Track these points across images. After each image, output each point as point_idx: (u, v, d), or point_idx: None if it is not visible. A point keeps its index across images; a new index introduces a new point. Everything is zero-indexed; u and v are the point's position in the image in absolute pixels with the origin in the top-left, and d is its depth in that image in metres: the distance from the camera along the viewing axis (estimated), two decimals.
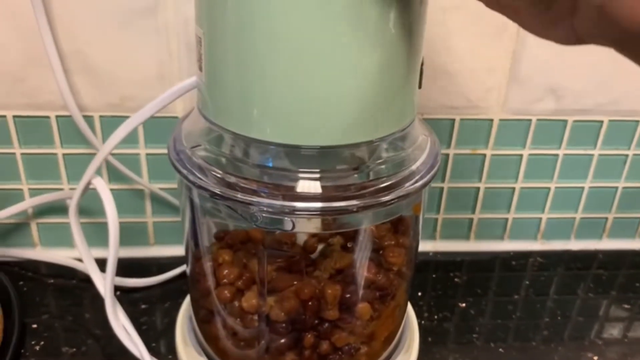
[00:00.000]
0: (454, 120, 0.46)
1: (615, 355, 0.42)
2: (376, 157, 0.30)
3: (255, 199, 0.28)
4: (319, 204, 0.28)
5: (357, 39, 0.26)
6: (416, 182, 0.30)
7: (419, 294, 0.47)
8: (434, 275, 0.49)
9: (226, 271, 0.33)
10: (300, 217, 0.28)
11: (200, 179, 0.29)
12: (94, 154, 0.43)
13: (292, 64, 0.26)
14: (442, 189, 0.49)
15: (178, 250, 0.49)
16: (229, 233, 0.35)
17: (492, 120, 0.46)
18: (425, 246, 0.52)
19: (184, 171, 0.30)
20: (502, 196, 0.50)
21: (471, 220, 0.51)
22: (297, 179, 0.28)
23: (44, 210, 0.47)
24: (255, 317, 0.33)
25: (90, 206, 0.46)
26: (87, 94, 0.42)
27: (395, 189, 0.29)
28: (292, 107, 0.26)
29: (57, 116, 0.43)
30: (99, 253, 0.39)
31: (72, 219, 0.35)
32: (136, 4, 0.39)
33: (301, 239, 0.34)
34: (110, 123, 0.44)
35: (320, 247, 0.34)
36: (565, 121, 0.47)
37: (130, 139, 0.44)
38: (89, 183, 0.34)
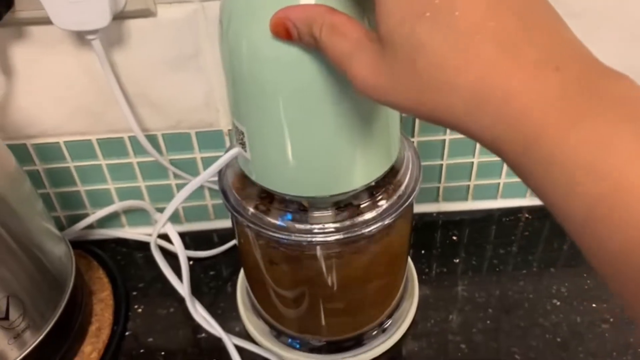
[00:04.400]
0: None
1: (574, 303, 0.54)
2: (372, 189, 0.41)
3: (281, 235, 0.40)
4: (333, 237, 0.39)
5: (350, 127, 0.36)
6: (407, 199, 0.42)
7: (422, 251, 0.59)
8: (435, 234, 0.61)
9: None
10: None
11: (243, 216, 0.41)
12: (156, 160, 0.56)
13: (309, 145, 0.36)
14: (441, 165, 0.60)
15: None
16: None
17: None
18: (429, 207, 0.63)
19: (233, 212, 0.42)
20: (494, 166, 0.60)
21: (468, 186, 0.62)
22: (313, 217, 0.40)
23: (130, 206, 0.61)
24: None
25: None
26: (151, 120, 0.54)
27: (391, 213, 0.40)
28: (309, 172, 0.38)
29: (129, 136, 0.55)
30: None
31: (154, 249, 0.47)
32: (181, 54, 0.49)
33: None
34: (171, 138, 0.55)
35: None
36: None
37: (188, 147, 0.56)
38: (163, 226, 0.46)
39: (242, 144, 0.39)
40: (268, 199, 0.42)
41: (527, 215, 0.62)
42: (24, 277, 0.44)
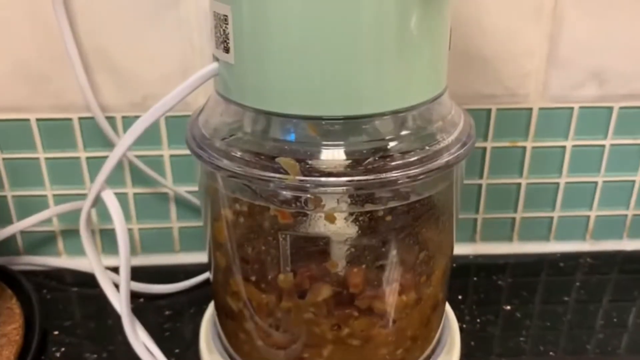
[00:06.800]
0: (490, 110, 0.43)
1: None
2: (404, 130, 0.28)
3: (274, 174, 0.26)
4: (343, 179, 0.25)
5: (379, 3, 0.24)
6: (450, 155, 0.28)
7: (459, 297, 0.43)
8: (475, 279, 0.46)
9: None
10: (323, 194, 0.26)
11: (218, 159, 0.27)
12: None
13: (314, 30, 0.24)
14: (480, 186, 0.46)
15: (204, 257, 0.47)
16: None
17: (531, 109, 0.43)
18: (464, 249, 0.48)
19: (201, 152, 0.28)
20: (545, 193, 0.47)
21: (513, 219, 0.48)
22: (319, 152, 0.26)
23: (68, 218, 0.46)
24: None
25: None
26: (109, 93, 0.42)
27: (428, 162, 0.27)
28: (315, 75, 0.25)
29: (79, 118, 0.42)
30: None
31: (83, 232, 0.33)
32: None
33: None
34: (131, 123, 0.42)
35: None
36: (611, 108, 0.44)
37: (153, 139, 0.43)
38: (99, 193, 0.32)
39: (224, 43, 0.27)
40: (259, 137, 0.28)
41: (590, 261, 0.48)
42: None
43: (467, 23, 0.40)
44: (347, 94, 0.25)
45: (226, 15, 0.26)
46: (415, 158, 0.27)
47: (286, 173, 0.26)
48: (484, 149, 0.45)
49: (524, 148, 0.45)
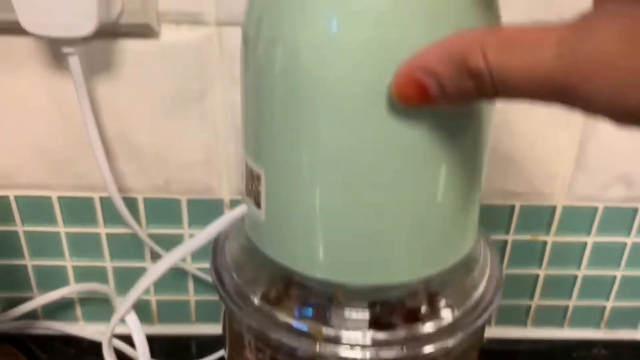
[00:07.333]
0: (513, 206, 0.43)
1: None
2: (433, 289, 0.28)
3: (296, 342, 0.26)
4: (369, 354, 0.25)
5: (415, 174, 0.24)
6: (479, 316, 0.28)
7: None
8: None
9: None
10: None
11: (243, 308, 0.28)
12: (134, 234, 0.42)
13: (360, 200, 0.24)
14: None
15: (218, 329, 0.48)
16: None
17: (555, 207, 0.43)
18: None
19: (226, 296, 0.28)
20: (563, 283, 0.47)
21: (529, 307, 0.48)
22: (344, 316, 0.26)
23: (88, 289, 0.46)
24: None
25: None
26: (132, 176, 0.41)
27: (458, 331, 0.27)
28: (345, 247, 0.25)
29: (100, 197, 0.42)
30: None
31: (105, 350, 0.33)
32: (184, 91, 0.38)
33: None
34: (154, 204, 0.43)
35: None
36: (636, 209, 0.43)
37: (175, 219, 0.43)
38: (123, 317, 0.32)
39: (255, 197, 0.26)
40: (282, 287, 0.28)
41: (603, 351, 0.48)
42: None
43: (497, 125, 0.40)
44: (375, 265, 0.25)
45: (259, 175, 0.26)
46: (446, 324, 0.27)
47: (310, 336, 0.26)
48: (505, 241, 0.44)
49: (545, 242, 0.45)
